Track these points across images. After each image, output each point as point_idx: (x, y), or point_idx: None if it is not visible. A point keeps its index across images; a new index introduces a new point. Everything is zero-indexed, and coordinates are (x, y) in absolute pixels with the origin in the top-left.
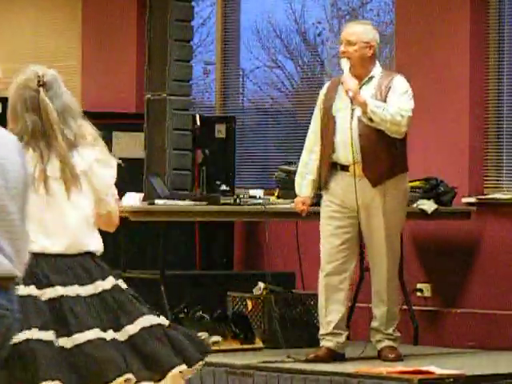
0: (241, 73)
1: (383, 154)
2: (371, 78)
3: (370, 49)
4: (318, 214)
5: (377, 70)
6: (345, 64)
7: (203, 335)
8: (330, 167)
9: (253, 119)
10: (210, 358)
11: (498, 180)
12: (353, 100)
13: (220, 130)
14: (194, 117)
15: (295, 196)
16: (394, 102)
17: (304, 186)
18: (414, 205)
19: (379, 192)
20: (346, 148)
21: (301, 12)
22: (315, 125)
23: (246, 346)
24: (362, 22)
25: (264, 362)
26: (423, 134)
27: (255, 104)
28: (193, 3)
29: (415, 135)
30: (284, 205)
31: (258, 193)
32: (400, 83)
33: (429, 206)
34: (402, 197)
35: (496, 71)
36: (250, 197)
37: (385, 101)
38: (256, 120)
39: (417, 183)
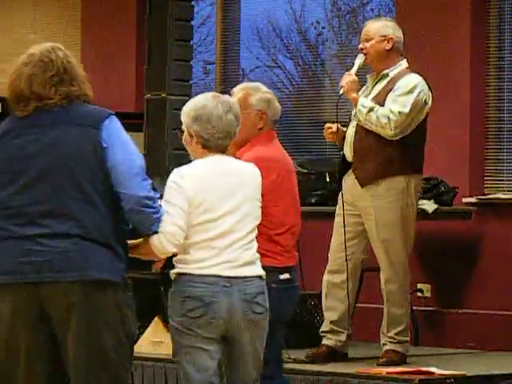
0: (241, 73)
1: (372, 154)
2: (385, 75)
3: (388, 42)
4: (317, 213)
5: (397, 67)
6: (357, 60)
7: None
8: (342, 161)
9: None
10: None
11: (498, 180)
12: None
13: None
14: None
15: None
16: (389, 103)
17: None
18: None
19: (370, 192)
20: (347, 145)
21: (301, 12)
22: None
23: None
24: (383, 19)
25: None
26: None
27: None
28: (193, 3)
29: None
30: None
31: None
32: (405, 83)
33: (429, 205)
34: (395, 197)
35: (496, 71)
36: None
37: (382, 103)
38: None
39: None
